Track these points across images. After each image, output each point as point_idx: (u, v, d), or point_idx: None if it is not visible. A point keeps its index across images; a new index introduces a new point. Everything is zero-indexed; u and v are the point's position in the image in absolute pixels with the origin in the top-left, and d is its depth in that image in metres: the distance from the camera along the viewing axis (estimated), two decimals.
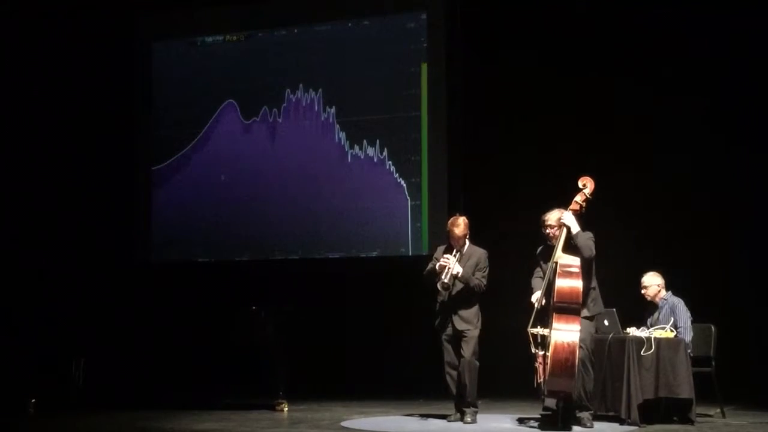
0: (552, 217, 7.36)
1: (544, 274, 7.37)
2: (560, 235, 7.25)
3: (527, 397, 8.11)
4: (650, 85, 9.98)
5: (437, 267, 7.68)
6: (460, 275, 7.60)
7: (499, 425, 7.72)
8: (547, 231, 7.37)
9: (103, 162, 11.90)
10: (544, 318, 7.20)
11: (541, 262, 7.48)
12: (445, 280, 7.57)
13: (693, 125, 9.82)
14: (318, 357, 10.22)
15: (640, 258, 9.06)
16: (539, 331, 7.17)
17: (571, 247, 7.22)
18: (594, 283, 7.34)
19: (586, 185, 7.34)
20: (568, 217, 7.25)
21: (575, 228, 7.24)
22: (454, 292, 7.66)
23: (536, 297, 7.32)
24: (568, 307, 7.01)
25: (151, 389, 9.84)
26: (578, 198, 7.31)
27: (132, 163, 12.07)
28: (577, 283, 7.04)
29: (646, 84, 9.98)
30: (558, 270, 7.08)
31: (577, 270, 7.06)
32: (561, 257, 7.15)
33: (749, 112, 9.75)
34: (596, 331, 7.55)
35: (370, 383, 10.17)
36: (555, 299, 7.04)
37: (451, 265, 7.60)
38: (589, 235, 7.29)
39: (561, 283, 7.04)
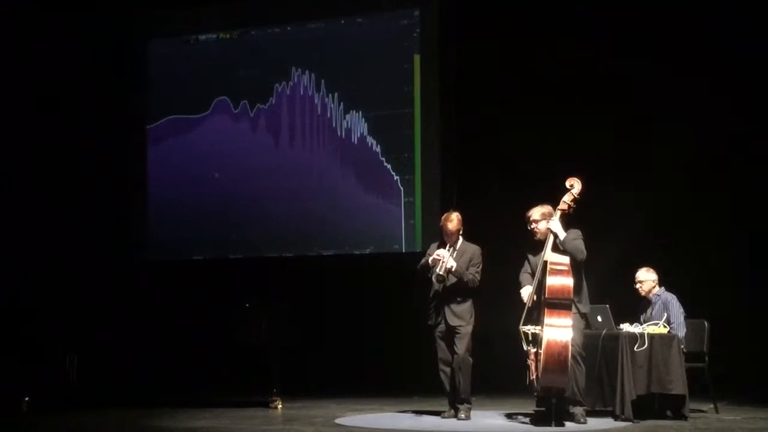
0: (535, 212, 7.42)
1: (532, 270, 7.41)
2: (548, 237, 7.29)
3: (521, 393, 8.12)
4: (648, 80, 9.96)
5: (430, 261, 7.69)
6: (454, 269, 7.61)
7: (493, 421, 7.73)
8: (531, 226, 7.43)
9: (98, 160, 11.87)
10: (534, 316, 7.23)
11: (529, 257, 7.52)
12: (440, 272, 7.58)
13: (691, 122, 9.81)
14: (312, 354, 10.21)
15: (632, 254, 9.07)
16: (530, 329, 7.19)
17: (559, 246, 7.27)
18: (583, 280, 7.37)
19: (574, 185, 7.37)
20: (554, 225, 7.29)
21: (561, 234, 7.27)
22: (448, 285, 7.66)
23: (527, 292, 7.34)
24: (560, 303, 7.06)
25: (145, 387, 9.83)
26: (566, 198, 7.35)
27: (126, 162, 12.05)
28: (568, 281, 7.09)
29: (643, 79, 9.96)
30: (548, 268, 7.13)
31: (566, 267, 7.12)
32: (550, 256, 7.20)
33: (748, 111, 9.75)
34: (587, 327, 7.57)
35: (364, 380, 10.17)
36: (546, 295, 7.07)
37: (444, 259, 7.61)
38: (576, 234, 7.32)
39: (552, 281, 7.09)
